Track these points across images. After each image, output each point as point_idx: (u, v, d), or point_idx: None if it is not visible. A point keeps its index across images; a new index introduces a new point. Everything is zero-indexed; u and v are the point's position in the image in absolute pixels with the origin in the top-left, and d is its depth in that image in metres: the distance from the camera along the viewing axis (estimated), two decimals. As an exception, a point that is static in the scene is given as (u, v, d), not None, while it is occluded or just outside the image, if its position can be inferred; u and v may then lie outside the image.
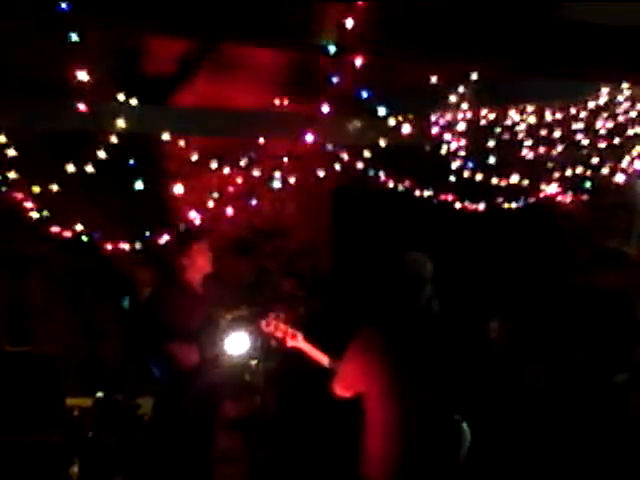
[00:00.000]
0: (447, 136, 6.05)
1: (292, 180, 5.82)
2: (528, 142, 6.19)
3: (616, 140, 6.20)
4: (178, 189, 5.42)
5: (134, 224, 5.93)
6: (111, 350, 6.63)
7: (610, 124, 6.08)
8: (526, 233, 7.12)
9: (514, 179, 6.40)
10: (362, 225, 7.14)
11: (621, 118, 6.06)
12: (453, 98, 5.59)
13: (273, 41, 4.29)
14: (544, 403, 5.31)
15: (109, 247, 5.62)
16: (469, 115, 5.92)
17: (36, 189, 5.18)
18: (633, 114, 6.02)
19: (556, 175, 6.51)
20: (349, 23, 3.80)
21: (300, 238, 7.07)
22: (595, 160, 6.37)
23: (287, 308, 6.50)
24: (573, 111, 6.07)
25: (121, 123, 4.77)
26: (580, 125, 6.11)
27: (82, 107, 4.33)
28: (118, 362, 6.47)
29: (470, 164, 6.18)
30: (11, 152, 5.03)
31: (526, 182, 6.47)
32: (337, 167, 5.93)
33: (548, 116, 6.10)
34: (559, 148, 6.23)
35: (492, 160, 6.12)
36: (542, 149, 6.23)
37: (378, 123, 5.54)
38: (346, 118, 5.86)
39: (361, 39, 3.92)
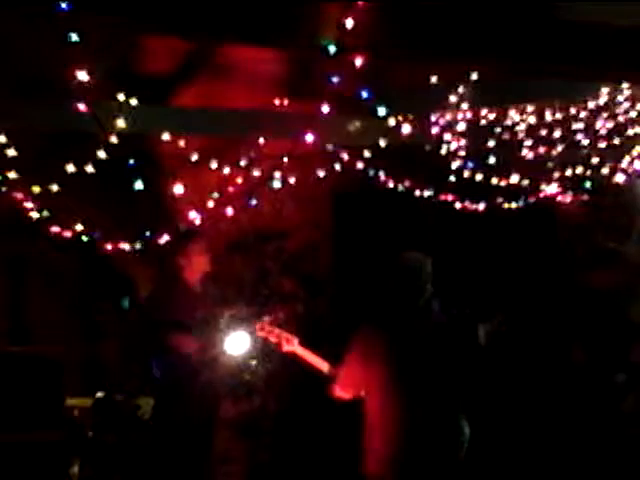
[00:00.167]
0: (447, 136, 6.05)
1: (292, 180, 5.82)
2: (528, 142, 6.19)
3: (616, 140, 6.20)
4: (178, 189, 5.42)
5: (134, 224, 5.93)
6: (111, 350, 6.63)
7: (610, 124, 6.08)
8: (526, 233, 7.11)
9: (514, 179, 6.40)
10: (362, 225, 7.13)
11: (621, 118, 6.06)
12: (453, 98, 5.59)
13: (273, 41, 4.29)
14: (541, 401, 5.32)
15: (109, 247, 5.62)
16: (469, 115, 5.92)
17: (36, 189, 5.18)
18: (633, 114, 6.02)
19: (556, 175, 6.51)
20: (349, 23, 3.80)
21: (300, 238, 7.07)
22: (595, 160, 6.37)
23: (286, 308, 6.51)
24: (573, 111, 6.07)
25: (121, 123, 4.77)
26: (580, 125, 6.11)
27: (82, 107, 4.33)
28: (118, 362, 6.47)
29: (470, 164, 6.18)
30: (11, 152, 5.03)
31: (526, 182, 6.47)
32: (337, 167, 5.93)
33: (548, 116, 6.10)
34: (559, 148, 6.23)
35: (492, 160, 6.12)
36: (542, 149, 6.23)
37: (378, 123, 5.54)
38: (346, 118, 5.85)
39: (361, 39, 3.92)
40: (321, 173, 5.96)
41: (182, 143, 5.62)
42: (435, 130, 5.96)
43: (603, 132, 6.14)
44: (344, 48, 3.95)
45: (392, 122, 5.63)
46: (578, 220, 7.08)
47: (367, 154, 5.97)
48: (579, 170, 6.44)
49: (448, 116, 5.94)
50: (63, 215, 5.46)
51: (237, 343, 4.70)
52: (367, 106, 4.79)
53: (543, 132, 6.15)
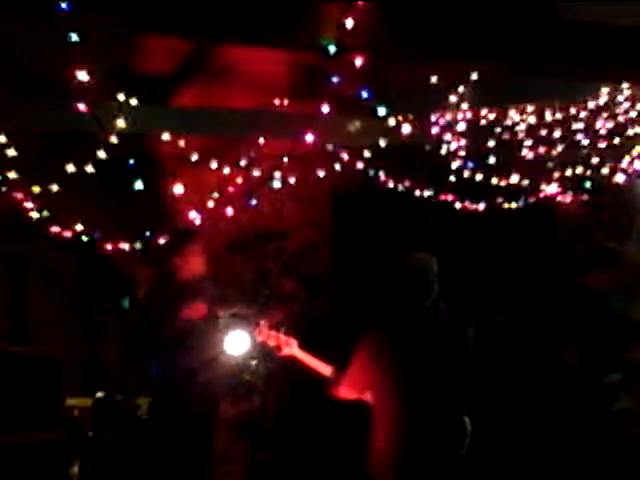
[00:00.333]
0: (447, 136, 6.05)
1: (292, 180, 5.82)
2: (528, 142, 6.19)
3: (616, 140, 6.20)
4: (178, 189, 5.42)
5: (134, 224, 5.93)
6: (111, 350, 6.63)
7: (610, 124, 6.08)
8: (526, 233, 7.11)
9: (514, 179, 6.40)
10: (362, 225, 7.13)
11: (621, 118, 6.06)
12: (453, 98, 5.59)
13: (273, 41, 4.30)
14: (534, 401, 5.33)
15: (109, 247, 5.62)
16: (469, 115, 5.92)
17: (36, 189, 5.18)
18: (633, 114, 6.02)
19: (556, 175, 6.51)
20: (349, 23, 3.80)
21: (300, 238, 7.07)
22: (595, 160, 6.37)
23: (286, 308, 6.51)
24: (573, 111, 6.06)
25: (121, 123, 4.77)
26: (580, 125, 6.11)
27: (82, 107, 4.33)
28: (118, 362, 6.47)
29: (470, 164, 6.18)
30: (11, 152, 5.03)
31: (526, 182, 6.47)
32: (337, 167, 5.93)
33: (548, 116, 6.09)
34: (559, 148, 6.23)
35: (492, 160, 6.12)
36: (542, 149, 6.23)
37: (378, 123, 5.54)
38: (346, 118, 5.85)
39: (361, 39, 3.92)
40: (321, 173, 5.96)
41: (182, 143, 5.61)
42: (435, 130, 5.96)
43: (603, 132, 6.14)
44: (344, 48, 3.95)
45: (392, 122, 5.63)
46: (578, 220, 7.08)
47: (367, 154, 5.96)
48: (579, 170, 6.44)
49: (448, 116, 5.93)
50: (63, 215, 5.46)
51: (237, 343, 4.70)
52: (367, 106, 4.80)
53: (543, 132, 6.15)
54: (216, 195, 5.58)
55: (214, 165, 5.69)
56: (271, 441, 6.54)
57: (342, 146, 5.82)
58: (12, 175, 5.09)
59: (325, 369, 4.01)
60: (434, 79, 5.47)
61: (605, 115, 6.04)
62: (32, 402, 5.24)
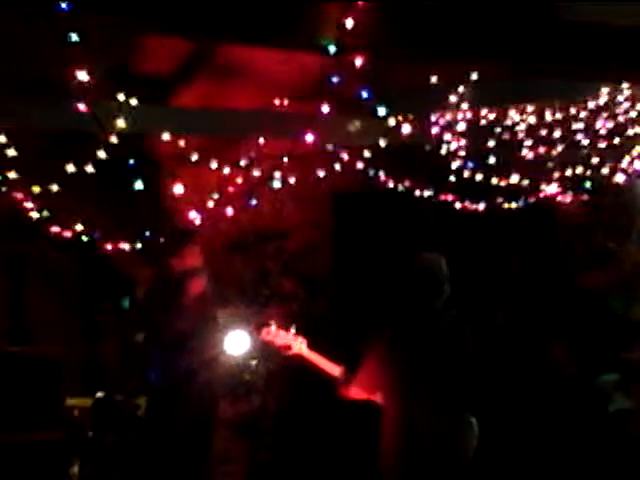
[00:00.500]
0: (447, 136, 6.05)
1: (292, 180, 5.81)
2: (528, 142, 6.18)
3: (616, 140, 6.20)
4: (178, 189, 5.42)
5: (134, 224, 5.93)
6: (111, 350, 6.63)
7: (610, 124, 6.08)
8: (526, 233, 7.12)
9: (514, 179, 6.40)
10: (362, 225, 7.13)
11: (621, 118, 6.05)
12: (453, 98, 5.59)
13: (273, 41, 4.29)
14: (532, 400, 5.33)
15: (109, 247, 5.62)
16: (469, 115, 5.92)
17: (36, 189, 5.18)
18: (633, 114, 6.01)
19: (556, 175, 6.51)
20: (349, 23, 3.80)
21: (300, 238, 7.07)
22: (595, 160, 6.37)
23: (286, 308, 6.51)
24: (573, 111, 6.06)
25: (121, 123, 4.77)
26: (580, 125, 6.11)
27: (82, 107, 4.33)
28: (118, 362, 6.47)
29: (470, 164, 6.18)
30: (11, 152, 5.03)
31: (526, 182, 6.47)
32: (337, 167, 5.93)
33: (548, 116, 6.09)
34: (559, 148, 6.23)
35: (492, 160, 6.12)
36: (542, 149, 6.23)
37: (378, 123, 5.53)
38: (346, 118, 5.85)
39: (361, 39, 3.92)
40: (321, 173, 5.96)
41: (182, 143, 5.61)
42: (435, 130, 5.95)
43: (603, 132, 6.14)
44: (344, 48, 3.95)
45: (392, 122, 5.63)
46: (578, 220, 7.08)
47: (367, 154, 5.96)
48: (579, 170, 6.44)
49: (448, 116, 5.93)
50: (63, 215, 5.46)
51: (237, 343, 4.69)
52: (367, 106, 4.79)
53: (543, 132, 6.15)
54: (216, 195, 5.58)
55: (214, 165, 5.69)
56: (271, 441, 6.54)
57: (342, 146, 5.82)
58: (12, 175, 5.09)
59: (334, 369, 4.00)
60: (434, 79, 5.47)
61: (605, 115, 6.04)
62: (32, 402, 5.24)
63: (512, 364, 5.74)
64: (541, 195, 6.69)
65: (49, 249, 6.19)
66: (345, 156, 5.89)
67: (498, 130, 6.10)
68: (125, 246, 5.61)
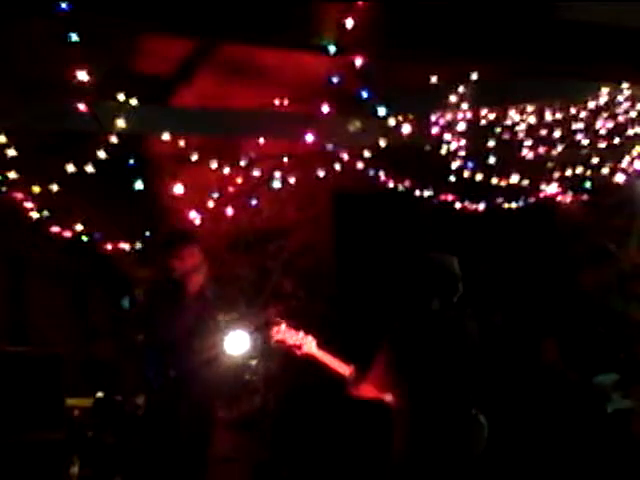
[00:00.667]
0: (447, 136, 6.05)
1: (292, 180, 5.82)
2: (528, 142, 6.19)
3: (616, 140, 6.20)
4: (178, 189, 5.43)
5: (134, 224, 5.93)
6: (111, 350, 6.63)
7: (610, 124, 6.08)
8: (526, 233, 7.11)
9: (514, 179, 6.40)
10: (362, 225, 7.13)
11: (621, 118, 6.06)
12: (453, 98, 5.59)
13: (273, 41, 4.29)
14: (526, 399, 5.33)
15: (109, 247, 5.63)
16: (469, 115, 5.92)
17: (36, 189, 5.18)
18: (633, 114, 6.02)
19: (556, 175, 6.51)
20: (349, 23, 3.80)
21: (300, 238, 7.07)
22: (595, 160, 6.37)
23: (286, 308, 6.52)
24: (573, 111, 6.07)
25: (121, 123, 4.77)
26: (580, 125, 6.11)
27: (82, 107, 4.33)
28: (118, 362, 6.47)
29: (470, 164, 6.18)
30: (11, 152, 5.03)
31: (526, 182, 6.47)
32: (337, 167, 5.93)
33: (548, 116, 6.09)
34: (559, 148, 6.23)
35: (492, 160, 6.12)
36: (542, 149, 6.23)
37: (378, 123, 5.53)
38: (346, 118, 5.85)
39: (361, 39, 3.92)
40: (321, 173, 5.96)
41: (182, 143, 5.61)
42: (435, 130, 5.96)
43: (603, 132, 6.14)
44: (344, 48, 3.95)
45: (392, 122, 5.63)
46: (578, 220, 7.08)
47: (367, 154, 5.96)
48: (579, 170, 6.44)
49: (448, 116, 5.94)
50: (63, 215, 5.46)
51: (237, 343, 4.70)
52: (367, 106, 4.80)
53: (543, 132, 6.15)
54: (216, 195, 5.59)
55: (214, 165, 5.69)
56: (271, 440, 6.54)
57: (342, 146, 5.82)
58: (12, 175, 5.09)
59: (344, 369, 3.99)
60: (434, 79, 5.47)
61: (605, 115, 6.04)
62: (32, 402, 5.23)
63: (511, 364, 5.74)
64: (541, 195, 6.69)
65: (49, 249, 6.19)
66: (345, 156, 5.89)
67: (498, 130, 6.10)
68: (125, 246, 5.61)
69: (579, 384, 4.80)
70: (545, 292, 6.52)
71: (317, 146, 5.32)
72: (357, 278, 7.07)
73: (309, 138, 4.64)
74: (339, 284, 7.13)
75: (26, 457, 5.05)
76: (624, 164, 6.37)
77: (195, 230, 5.30)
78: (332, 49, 3.91)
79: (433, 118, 5.94)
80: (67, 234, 5.44)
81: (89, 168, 4.97)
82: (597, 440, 4.76)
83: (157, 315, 4.78)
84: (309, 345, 4.08)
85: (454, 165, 6.20)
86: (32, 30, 5.35)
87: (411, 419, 3.74)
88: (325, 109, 4.57)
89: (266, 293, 6.83)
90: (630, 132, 6.17)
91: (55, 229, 5.41)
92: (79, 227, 5.43)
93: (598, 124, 6.10)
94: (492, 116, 6.06)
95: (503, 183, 6.41)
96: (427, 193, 6.40)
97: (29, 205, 5.27)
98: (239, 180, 5.71)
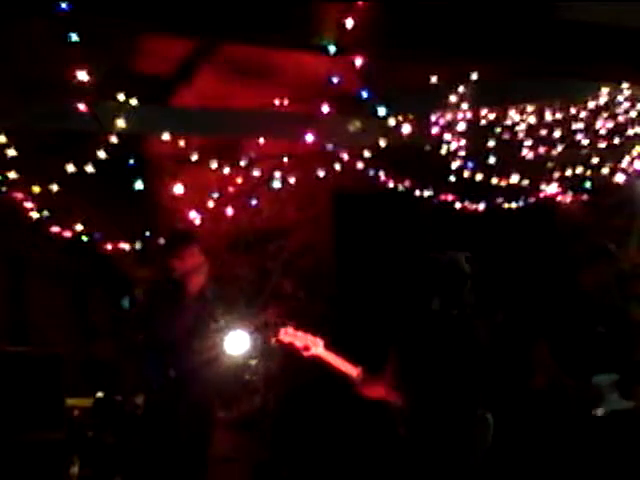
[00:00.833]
0: (447, 136, 6.05)
1: (292, 180, 5.82)
2: (528, 142, 6.19)
3: (616, 140, 6.20)
4: (178, 189, 5.43)
5: (133, 224, 5.94)
6: (111, 350, 6.63)
7: (610, 124, 6.08)
8: (526, 233, 7.11)
9: (514, 179, 6.40)
10: (362, 225, 7.13)
11: (621, 118, 6.06)
12: (453, 98, 5.59)
13: (273, 41, 4.29)
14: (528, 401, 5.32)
15: (109, 247, 5.63)
16: (469, 115, 5.92)
17: (36, 189, 5.18)
18: (633, 114, 6.02)
19: (556, 175, 6.51)
20: (349, 23, 3.80)
21: (300, 238, 7.07)
22: (595, 160, 6.37)
23: (286, 308, 6.52)
24: (573, 111, 6.07)
25: (121, 123, 4.77)
26: (580, 125, 6.11)
27: (82, 107, 4.33)
28: (118, 362, 6.47)
29: (470, 164, 6.18)
30: (11, 152, 5.03)
31: (526, 182, 6.47)
32: (337, 167, 5.93)
33: (548, 116, 6.10)
34: (559, 148, 6.23)
35: (492, 160, 6.12)
36: (542, 149, 6.23)
37: (378, 123, 5.54)
38: (346, 118, 5.86)
39: (361, 39, 3.92)
40: (321, 173, 5.96)
41: (182, 143, 5.62)
42: (435, 130, 5.96)
43: (603, 132, 6.14)
44: (344, 48, 3.95)
45: (392, 122, 5.63)
46: (578, 220, 7.08)
47: (367, 154, 5.96)
48: (579, 170, 6.44)
49: (448, 116, 5.94)
50: (63, 215, 5.46)
51: (237, 343, 4.69)
52: (367, 106, 4.80)
53: (543, 132, 6.15)
54: (216, 195, 5.59)
55: (214, 165, 5.69)
56: (271, 440, 6.54)
57: (342, 146, 5.82)
58: (12, 175, 5.09)
59: (351, 370, 3.99)
60: (434, 79, 5.47)
61: (605, 115, 6.04)
62: (32, 402, 5.23)
63: (510, 363, 5.74)
64: (541, 195, 6.69)
65: (49, 249, 6.19)
66: (345, 156, 5.89)
67: (498, 130, 6.11)
68: (125, 246, 5.62)
69: (572, 388, 4.79)
70: (545, 292, 6.52)
71: (317, 146, 5.32)
72: (357, 278, 7.07)
73: (309, 138, 4.64)
74: (339, 284, 7.13)
75: (26, 457, 5.05)
76: (624, 164, 6.37)
77: (195, 230, 5.30)
78: (332, 49, 3.91)
79: (433, 118, 5.94)
80: (67, 234, 5.44)
81: (89, 168, 4.97)
82: (589, 440, 4.75)
83: (157, 315, 4.78)
84: (317, 347, 4.08)
85: (454, 165, 6.21)
86: (32, 30, 5.34)
87: (415, 419, 3.74)
88: (325, 109, 4.56)
89: (266, 293, 6.83)
90: (630, 132, 6.17)
91: (55, 229, 5.41)
92: (79, 227, 5.43)
93: (598, 124, 6.10)
94: (492, 116, 6.06)
95: (503, 183, 6.41)
96: (427, 193, 6.40)
97: (29, 205, 5.27)
98: (239, 180, 5.71)
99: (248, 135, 5.96)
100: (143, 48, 6.24)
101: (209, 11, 3.85)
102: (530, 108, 6.05)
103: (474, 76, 5.36)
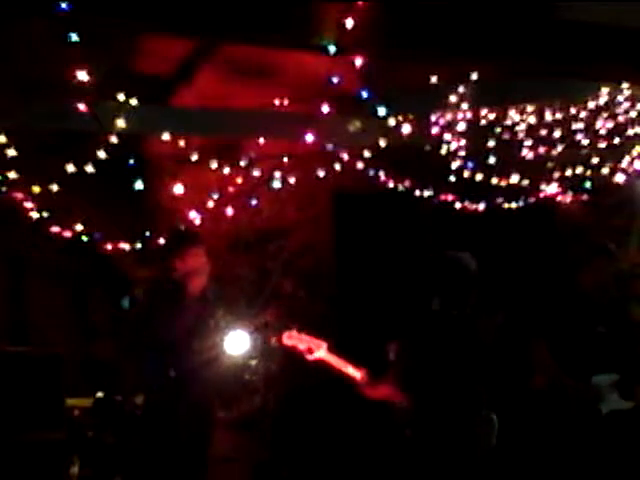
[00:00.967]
0: (447, 136, 6.05)
1: (292, 180, 5.82)
2: (528, 142, 6.19)
3: (616, 140, 6.20)
4: (178, 189, 5.43)
5: (133, 224, 5.94)
6: (111, 350, 6.63)
7: (610, 124, 6.08)
8: (526, 233, 7.11)
9: (514, 179, 6.40)
10: (362, 225, 7.13)
11: (621, 118, 6.06)
12: (453, 98, 5.59)
13: (273, 41, 4.29)
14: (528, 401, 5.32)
15: (109, 247, 5.62)
16: (469, 115, 5.92)
17: (36, 189, 5.18)
18: (633, 114, 6.02)
19: (556, 175, 6.51)
20: (349, 23, 3.80)
21: (300, 238, 7.07)
22: (595, 160, 6.37)
23: (286, 308, 6.52)
24: (573, 111, 6.07)
25: (121, 123, 4.77)
26: (580, 125, 6.11)
27: (82, 107, 4.33)
28: (118, 362, 6.47)
29: (470, 164, 6.18)
30: (11, 152, 5.03)
31: (526, 182, 6.47)
32: (337, 167, 5.93)
33: (548, 116, 6.10)
34: (559, 148, 6.23)
35: (492, 160, 6.12)
36: (542, 149, 6.23)
37: (378, 123, 5.54)
38: (346, 118, 5.86)
39: (361, 39, 3.92)
40: (321, 173, 5.96)
41: (182, 143, 5.62)
42: (435, 130, 5.96)
43: (603, 132, 6.14)
44: (344, 48, 3.96)
45: (392, 122, 5.63)
46: (578, 220, 7.08)
47: (367, 154, 5.96)
48: (579, 170, 6.44)
49: (448, 116, 5.94)
50: (63, 215, 5.46)
51: (237, 343, 4.69)
52: (367, 106, 4.80)
53: (543, 132, 6.15)
54: (216, 195, 5.59)
55: (214, 165, 5.69)
56: (271, 440, 6.54)
57: (342, 146, 5.82)
58: (12, 175, 5.09)
59: (355, 372, 3.99)
60: (434, 79, 5.47)
61: (605, 115, 6.04)
62: (32, 402, 5.23)
63: (510, 363, 5.74)
64: (541, 195, 6.69)
65: (49, 249, 6.20)
66: (345, 156, 5.89)
67: (498, 130, 6.11)
68: (125, 246, 5.61)
69: (572, 388, 4.79)
70: (545, 292, 6.52)
71: (317, 146, 5.32)
72: (357, 278, 7.07)
73: (309, 138, 4.63)
74: (339, 284, 7.13)
75: (26, 457, 5.05)
76: (624, 164, 6.37)
77: (199, 231, 5.29)
78: (332, 49, 3.91)
79: (433, 118, 5.94)
80: (67, 234, 5.44)
81: (89, 168, 4.97)
82: (588, 440, 4.75)
83: (157, 315, 4.77)
84: (320, 350, 4.08)
85: (454, 165, 6.21)
86: (32, 30, 5.34)
87: (420, 420, 3.74)
88: (325, 109, 4.56)
89: (266, 293, 6.83)
90: (630, 132, 6.17)
91: (55, 229, 5.41)
92: (79, 227, 5.43)
93: (598, 124, 6.10)
94: (492, 116, 6.06)
95: (503, 183, 6.41)
96: (427, 193, 6.40)
97: (29, 205, 5.27)
98: (239, 180, 5.71)
99: (248, 135, 5.96)
100: (143, 48, 6.24)
101: (209, 11, 3.85)
102: (530, 108, 6.05)
103: (474, 76, 5.36)
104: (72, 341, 6.48)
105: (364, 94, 4.60)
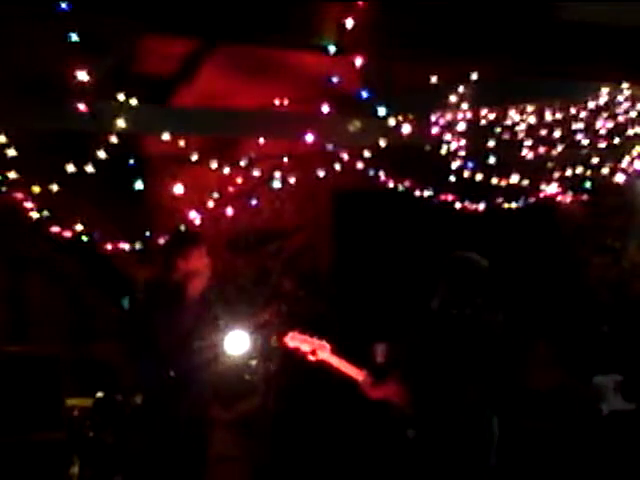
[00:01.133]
0: (447, 136, 6.05)
1: (292, 180, 5.82)
2: (528, 142, 6.19)
3: (616, 140, 6.20)
4: (178, 189, 5.43)
5: (133, 224, 5.94)
6: (111, 350, 6.63)
7: (610, 124, 6.08)
8: (526, 233, 7.11)
9: (514, 179, 6.40)
10: (362, 225, 7.13)
11: (621, 118, 6.06)
12: (453, 98, 5.59)
13: (273, 41, 4.30)
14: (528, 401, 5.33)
15: (109, 247, 5.62)
16: (469, 115, 5.92)
17: (36, 189, 5.18)
18: (633, 114, 6.02)
19: (556, 175, 6.51)
20: (349, 23, 3.80)
21: (300, 238, 7.07)
22: (595, 160, 6.37)
23: (286, 308, 6.51)
24: (573, 111, 6.07)
25: (121, 123, 4.77)
26: (580, 125, 6.11)
27: (82, 107, 4.33)
28: (118, 362, 6.47)
29: (470, 164, 6.18)
30: (11, 152, 5.03)
31: (526, 182, 6.48)
32: (337, 167, 5.93)
33: (548, 116, 6.10)
34: (559, 148, 6.24)
35: (492, 160, 6.12)
36: (542, 149, 6.23)
37: (378, 123, 5.54)
38: (346, 118, 5.86)
39: (361, 39, 3.93)
40: (321, 173, 5.96)
41: (182, 143, 5.62)
42: (435, 130, 5.96)
43: (603, 132, 6.14)
44: (344, 48, 3.96)
45: (392, 122, 5.63)
46: (578, 220, 7.08)
47: (367, 154, 5.97)
48: (579, 170, 6.44)
49: (448, 116, 5.94)
50: (63, 215, 5.46)
51: (237, 343, 4.69)
52: (367, 106, 4.80)
53: (543, 132, 6.15)
54: (216, 195, 5.59)
55: (214, 165, 5.69)
56: (271, 440, 6.54)
57: (342, 146, 5.82)
58: (12, 175, 5.09)
59: (357, 374, 3.99)
60: (434, 79, 5.47)
61: (605, 115, 6.04)
62: (32, 402, 5.23)
63: (510, 363, 5.74)
64: (541, 195, 6.69)
65: (49, 249, 6.20)
66: (345, 156, 5.89)
67: (498, 130, 6.11)
68: (125, 246, 5.61)
69: (574, 388, 4.79)
70: (546, 292, 6.52)
71: (317, 146, 5.32)
72: (357, 278, 7.07)
73: (309, 138, 4.64)
74: (339, 284, 7.13)
75: (26, 457, 5.05)
76: (624, 164, 6.37)
77: (200, 232, 5.29)
78: (332, 49, 3.92)
79: (433, 118, 5.94)
80: (67, 234, 5.44)
81: (89, 168, 4.97)
82: (589, 439, 4.76)
83: (157, 315, 4.77)
84: (323, 351, 4.08)
85: (454, 165, 6.21)
86: (32, 30, 5.34)
87: (423, 420, 3.74)
88: (325, 109, 4.57)
89: (266, 293, 6.82)
90: (630, 132, 6.17)
91: (55, 229, 5.41)
92: (79, 227, 5.43)
93: (598, 124, 6.10)
94: (492, 116, 6.06)
95: (503, 183, 6.41)
96: (427, 193, 6.40)
97: (29, 205, 5.27)
98: (239, 180, 5.71)
99: (248, 135, 5.96)
100: (143, 48, 6.24)
101: (209, 11, 3.85)
102: (530, 108, 6.05)
103: (474, 76, 5.36)
104: (72, 341, 6.48)
105: (364, 94, 4.60)
